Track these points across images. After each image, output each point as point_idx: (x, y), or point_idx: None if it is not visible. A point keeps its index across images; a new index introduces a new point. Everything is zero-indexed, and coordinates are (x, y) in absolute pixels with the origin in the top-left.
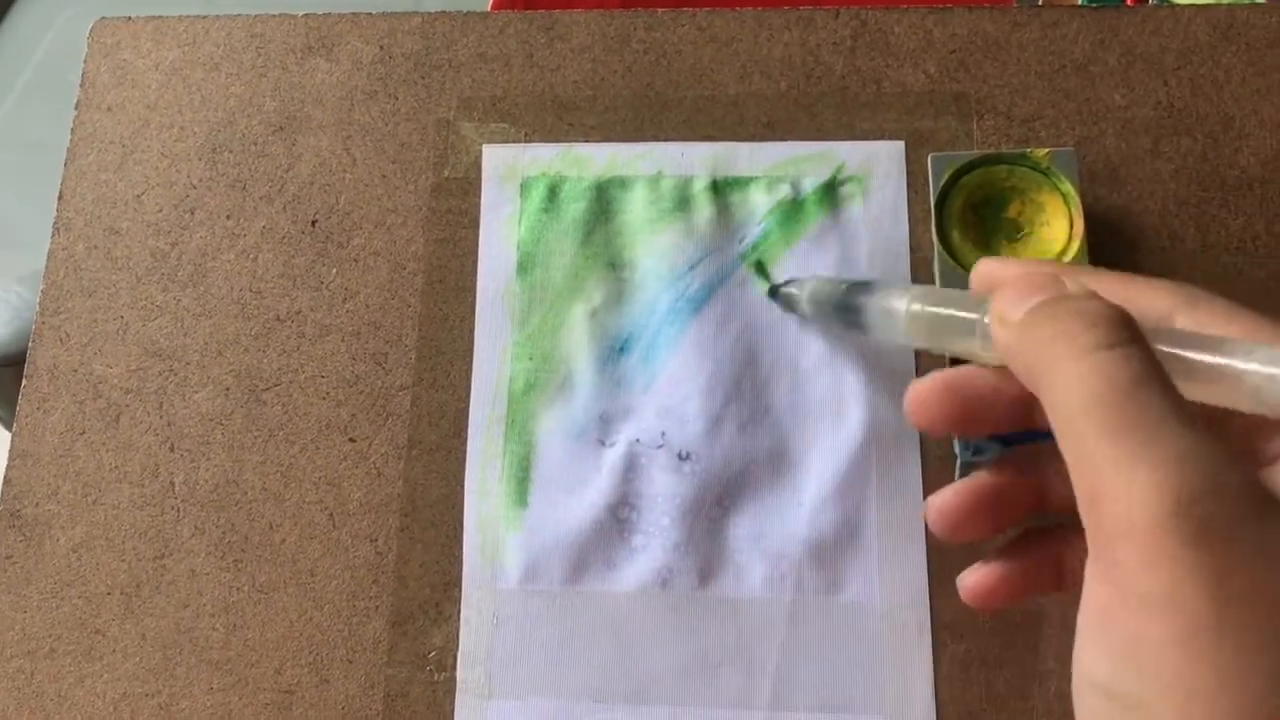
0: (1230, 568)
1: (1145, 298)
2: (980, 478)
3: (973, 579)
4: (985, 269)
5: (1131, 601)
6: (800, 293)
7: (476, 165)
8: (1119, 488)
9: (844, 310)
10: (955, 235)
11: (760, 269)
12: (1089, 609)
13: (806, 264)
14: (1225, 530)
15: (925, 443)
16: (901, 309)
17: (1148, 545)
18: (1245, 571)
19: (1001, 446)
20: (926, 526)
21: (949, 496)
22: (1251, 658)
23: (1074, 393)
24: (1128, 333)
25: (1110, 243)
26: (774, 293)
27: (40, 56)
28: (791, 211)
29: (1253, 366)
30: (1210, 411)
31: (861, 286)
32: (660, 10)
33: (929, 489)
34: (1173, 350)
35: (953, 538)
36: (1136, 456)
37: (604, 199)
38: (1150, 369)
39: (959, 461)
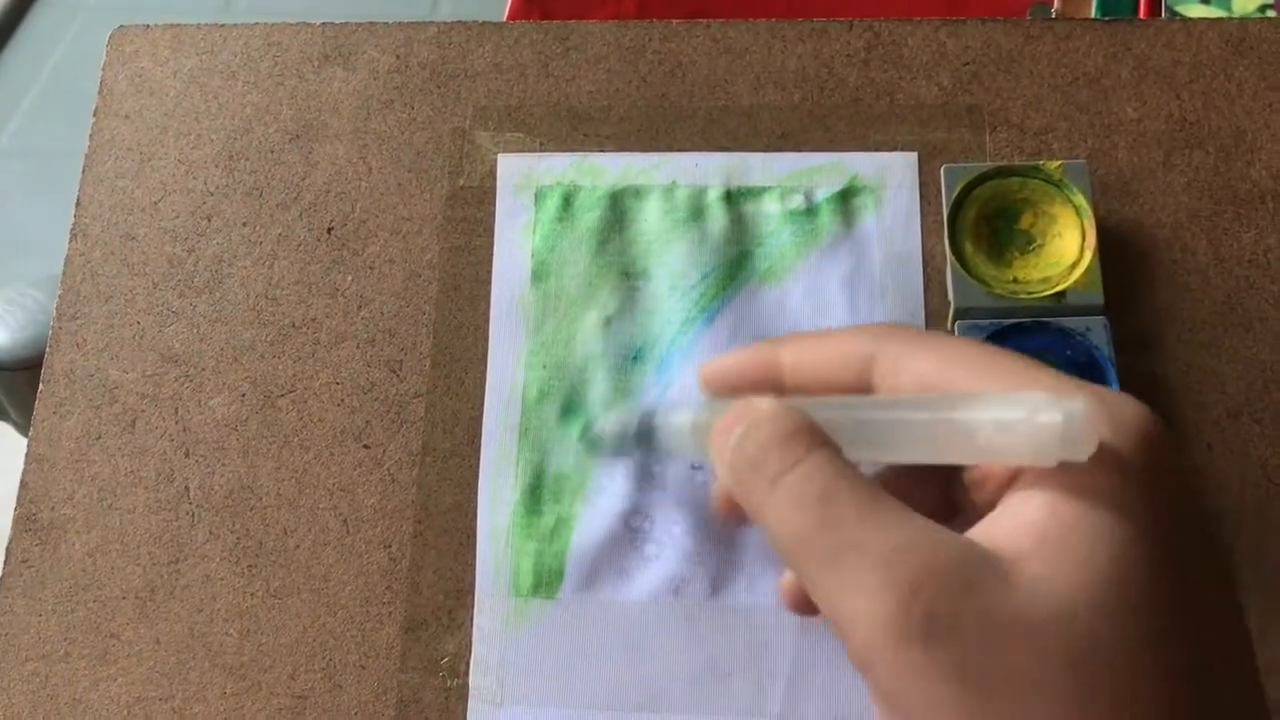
0: (966, 656)
1: (840, 350)
2: None
3: (786, 581)
4: (708, 372)
5: (900, 712)
6: (604, 427)
7: (491, 174)
8: (846, 613)
9: (641, 437)
10: (968, 247)
11: (584, 433)
12: None
13: (819, 274)
14: (949, 617)
15: None
16: (685, 424)
17: (891, 661)
18: (980, 653)
19: None
20: None
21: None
22: None
23: (779, 530)
24: (804, 441)
25: (1122, 255)
26: (582, 437)
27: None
28: (804, 222)
29: (963, 415)
30: (924, 471)
31: (651, 413)
32: (675, 21)
33: None
34: (865, 416)
35: (808, 613)
36: (848, 584)
37: (618, 208)
38: (834, 475)
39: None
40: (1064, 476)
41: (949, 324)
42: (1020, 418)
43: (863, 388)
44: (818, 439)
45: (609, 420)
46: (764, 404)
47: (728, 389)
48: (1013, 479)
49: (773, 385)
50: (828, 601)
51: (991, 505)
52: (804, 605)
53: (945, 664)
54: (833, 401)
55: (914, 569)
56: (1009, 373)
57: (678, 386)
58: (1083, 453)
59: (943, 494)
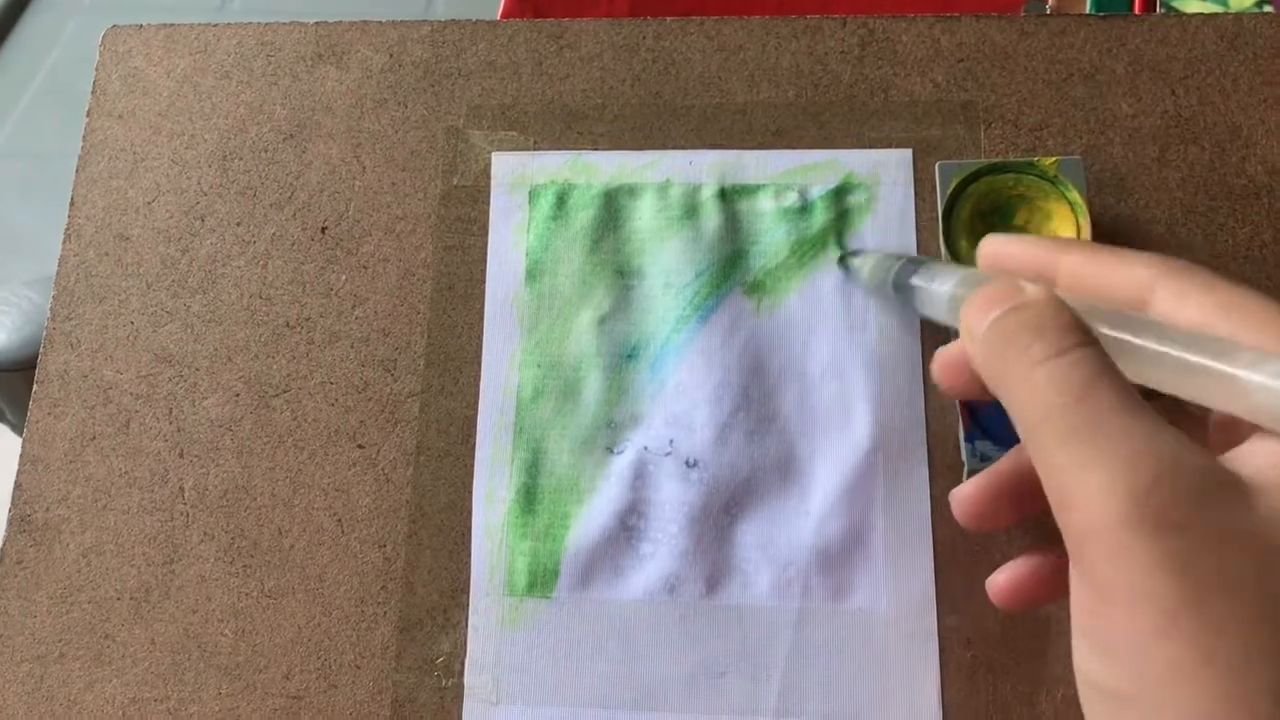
0: (1191, 553)
1: (1123, 273)
2: (1001, 465)
3: (1003, 578)
4: (990, 249)
5: (1108, 599)
6: (862, 266)
7: (485, 173)
8: (1079, 492)
9: (897, 289)
10: (963, 243)
11: (837, 243)
12: (1076, 611)
13: (814, 272)
14: (1183, 518)
15: (933, 450)
16: (944, 294)
17: (1112, 544)
18: (1207, 555)
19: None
20: (934, 533)
21: (969, 487)
22: (1225, 639)
23: (1028, 405)
24: (1075, 337)
25: None
26: (842, 261)
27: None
28: (799, 219)
29: (1219, 366)
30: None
31: (912, 266)
32: (669, 19)
33: (936, 496)
34: (1140, 342)
35: (977, 526)
36: (1090, 459)
37: (612, 207)
38: (1098, 370)
39: (966, 469)
40: None
41: None
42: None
43: (1137, 309)
44: (1087, 336)
45: (868, 260)
46: (1031, 289)
47: (1001, 269)
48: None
49: (1045, 282)
50: (1058, 475)
51: (1233, 445)
52: (950, 375)
53: (1169, 557)
54: (1114, 314)
55: (1157, 467)
56: None
57: (673, 385)
58: None
59: (1184, 418)
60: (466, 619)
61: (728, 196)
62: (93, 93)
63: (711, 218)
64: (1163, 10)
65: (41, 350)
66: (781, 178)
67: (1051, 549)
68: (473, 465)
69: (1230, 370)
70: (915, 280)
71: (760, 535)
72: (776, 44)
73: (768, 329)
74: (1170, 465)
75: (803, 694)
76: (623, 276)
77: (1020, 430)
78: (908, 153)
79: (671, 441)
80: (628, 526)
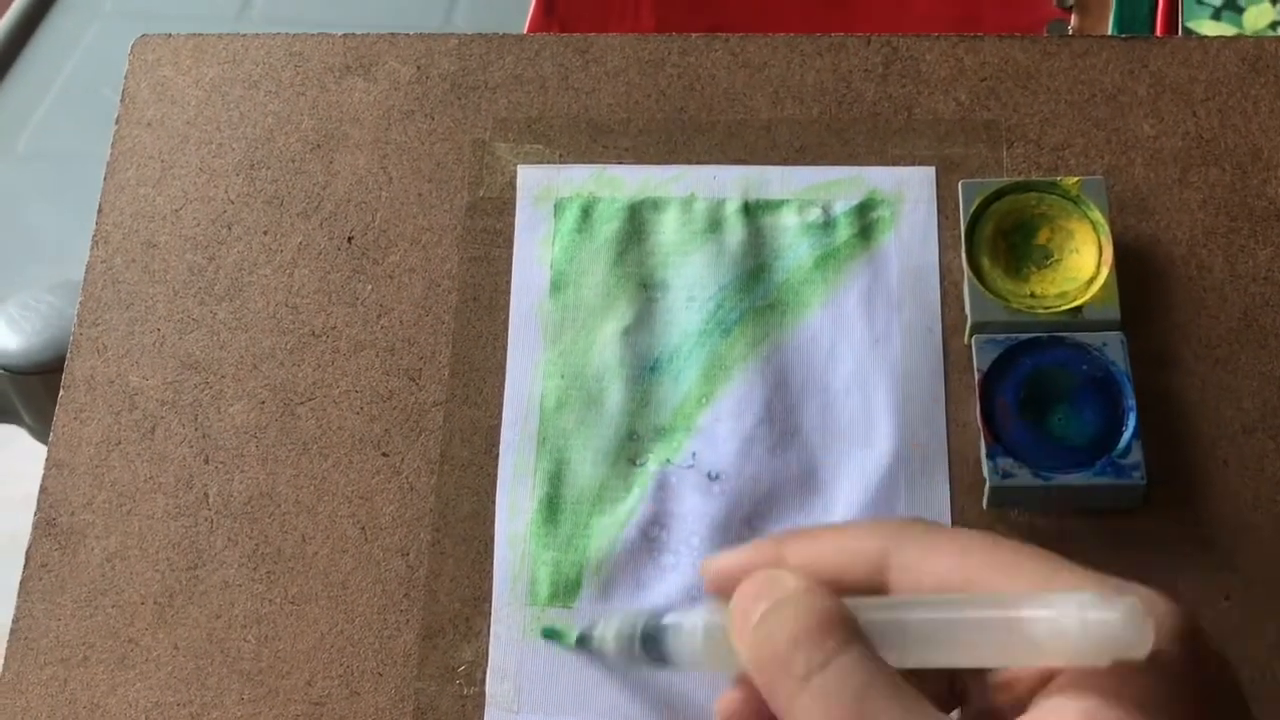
0: None
1: (850, 554)
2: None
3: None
4: (710, 569)
5: None
6: (603, 643)
7: (511, 185)
8: None
9: (650, 649)
10: (985, 261)
11: (552, 634)
12: None
13: (836, 287)
14: None
15: (954, 467)
16: (698, 624)
17: None
18: None
19: (1032, 473)
20: None
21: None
22: None
23: None
24: (835, 641)
25: (1138, 271)
26: (581, 641)
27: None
28: (822, 235)
29: (1011, 614)
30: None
31: (657, 618)
32: (694, 35)
33: (958, 513)
34: (915, 616)
35: None
36: None
37: (637, 220)
38: (867, 678)
39: (988, 485)
40: (1101, 679)
41: (966, 337)
42: (1073, 616)
43: (876, 588)
44: (851, 631)
45: (610, 624)
46: (789, 580)
47: (731, 589)
48: (1044, 681)
49: None
50: None
51: (1018, 707)
52: None
53: None
54: (866, 602)
55: None
56: (1034, 570)
57: (695, 398)
58: (1140, 651)
59: (947, 687)
60: (489, 628)
61: (751, 211)
62: (121, 101)
63: (735, 232)
64: (1183, 33)
65: (68, 356)
66: (805, 193)
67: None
68: (496, 475)
69: (1004, 616)
70: (667, 621)
71: None
72: (801, 61)
73: (790, 343)
74: None
75: None
76: (646, 289)
77: None
78: (931, 170)
79: (694, 454)
80: (649, 538)
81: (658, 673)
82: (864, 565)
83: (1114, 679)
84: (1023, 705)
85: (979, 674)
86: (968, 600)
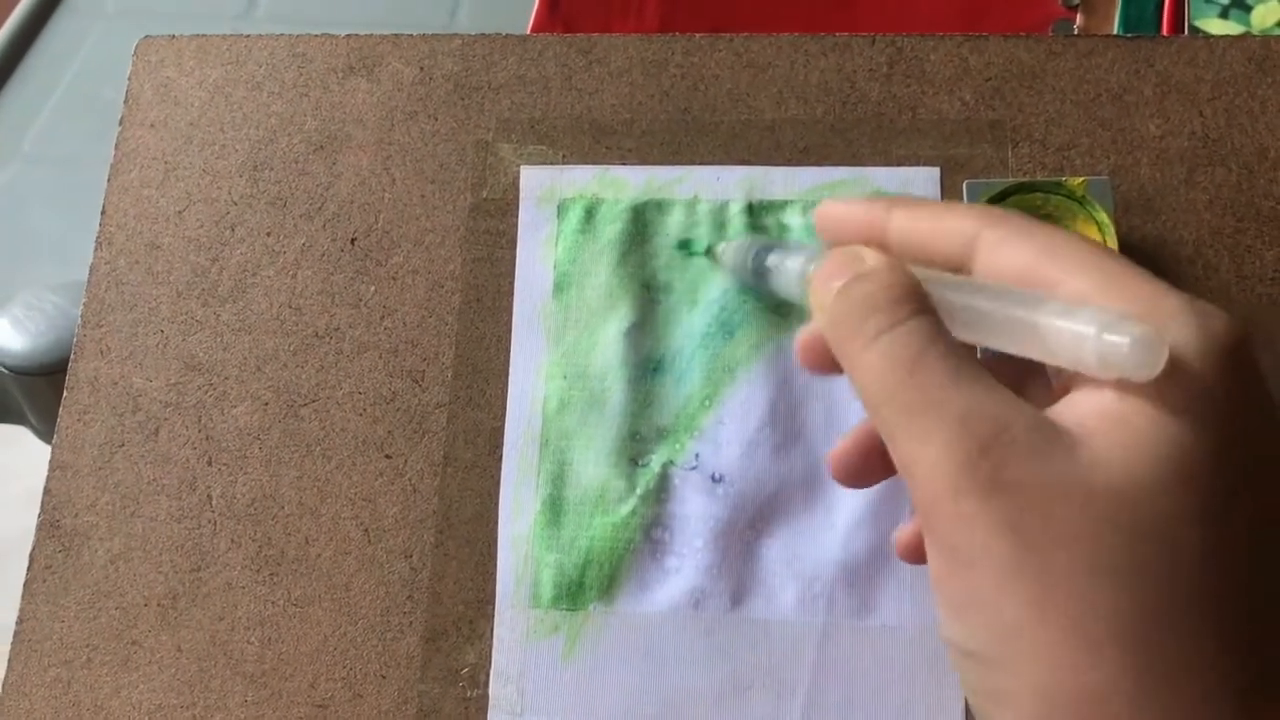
0: (1021, 512)
1: (946, 227)
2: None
3: (903, 535)
4: (822, 212)
5: (956, 563)
6: (724, 252)
7: (514, 186)
8: (918, 464)
9: (757, 274)
10: None
11: (684, 246)
12: (932, 578)
13: None
14: (1013, 476)
15: None
16: (795, 270)
17: (951, 508)
18: (1035, 512)
19: None
20: None
21: (844, 444)
22: (1058, 593)
23: (868, 381)
24: (908, 307)
25: None
26: (708, 252)
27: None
28: None
29: (1041, 319)
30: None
31: (768, 248)
32: (698, 35)
33: None
34: (965, 301)
35: (852, 482)
36: (925, 431)
37: (640, 221)
38: (928, 339)
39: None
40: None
41: None
42: (1090, 333)
43: (963, 264)
44: (920, 304)
45: (729, 247)
46: (870, 257)
47: (836, 234)
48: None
49: (877, 244)
50: (901, 450)
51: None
52: (912, 553)
53: (1001, 518)
54: (931, 275)
55: (986, 430)
56: (1105, 274)
57: (698, 399)
58: (1145, 375)
59: (1027, 368)
60: (492, 630)
61: (755, 212)
62: (125, 102)
63: (739, 233)
64: (1190, 32)
65: (72, 357)
66: (809, 194)
67: None
68: (499, 476)
69: (1026, 317)
70: (770, 260)
71: (786, 550)
72: (805, 61)
73: (793, 344)
74: (999, 427)
75: (826, 710)
76: (649, 290)
77: (865, 408)
78: (935, 171)
79: (697, 456)
80: (653, 540)
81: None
82: (956, 242)
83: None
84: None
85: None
86: (1008, 294)
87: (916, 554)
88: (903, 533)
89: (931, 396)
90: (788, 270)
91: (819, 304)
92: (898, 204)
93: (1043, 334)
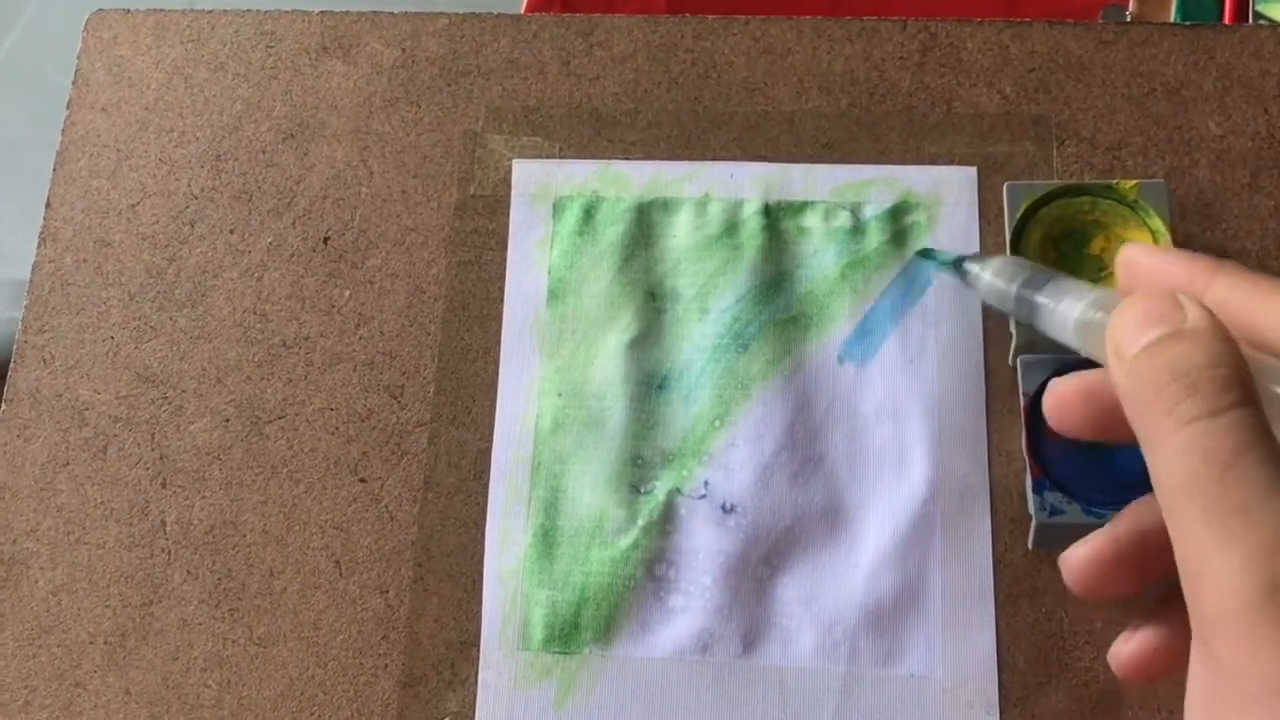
0: None
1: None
2: (1120, 525)
3: (1129, 649)
4: (1128, 258)
5: (1232, 688)
6: (980, 274)
7: (505, 182)
8: (1215, 571)
9: (1021, 306)
10: None
11: (926, 254)
12: (1193, 694)
13: (866, 300)
14: None
15: (996, 501)
16: (1072, 316)
17: (1243, 632)
18: None
19: (1084, 510)
20: (996, 593)
21: (1083, 549)
22: None
23: (1172, 468)
24: (1233, 395)
25: None
26: (958, 265)
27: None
28: (850, 241)
29: None
30: None
31: (1038, 280)
32: (710, 17)
33: (999, 551)
34: None
35: (1094, 595)
36: (1231, 539)
37: (645, 222)
38: (1253, 438)
39: (1034, 523)
40: None
41: (1010, 357)
42: None
43: None
44: (1246, 391)
45: (987, 266)
46: (1193, 312)
47: (1141, 286)
48: None
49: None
50: (1191, 552)
51: None
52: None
53: None
54: (1258, 359)
55: None
56: None
57: (708, 420)
58: None
59: None
60: (476, 675)
61: (772, 214)
62: (74, 83)
63: (754, 237)
64: (1254, 19)
65: (11, 366)
66: (832, 195)
67: (1174, 616)
68: (486, 504)
69: None
70: (1040, 298)
71: (804, 590)
72: (829, 47)
73: (815, 361)
74: None
75: None
76: (654, 299)
77: (1157, 490)
78: (972, 170)
79: (706, 483)
80: (656, 576)
81: None
82: None
83: None
84: None
85: None
86: None
87: (1072, 414)
88: (1130, 646)
89: (1243, 503)
90: (1061, 315)
91: (1120, 348)
92: (1223, 269)
93: None
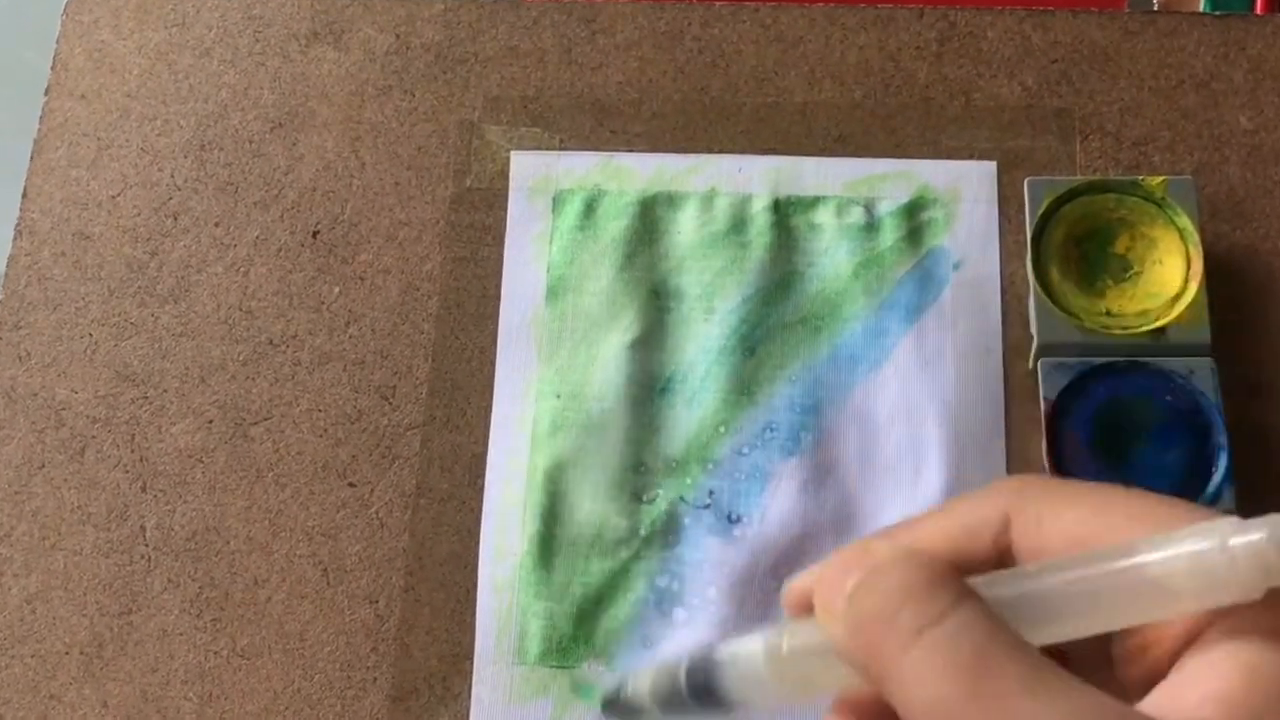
0: None
1: (968, 521)
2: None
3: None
4: (796, 588)
5: None
6: (638, 699)
7: (503, 174)
8: None
9: (702, 695)
10: (1055, 272)
11: (586, 693)
12: None
13: (880, 301)
14: None
15: None
16: (758, 648)
17: None
18: None
19: None
20: None
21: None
22: None
23: (918, 696)
24: (950, 595)
25: (1232, 287)
26: (610, 706)
27: None
28: (864, 239)
29: (1140, 559)
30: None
31: (703, 656)
32: (718, 4)
33: None
34: (1023, 589)
35: None
36: None
37: (648, 217)
38: (987, 634)
39: None
40: (1259, 618)
41: (1031, 361)
42: (1214, 546)
43: (1000, 561)
44: (963, 588)
45: (642, 678)
46: (883, 546)
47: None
48: (1186, 642)
49: None
50: None
51: (1155, 676)
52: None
53: None
54: (980, 579)
55: None
56: (1172, 514)
57: (713, 425)
58: None
59: (1088, 659)
60: (469, 690)
61: (781, 209)
62: (53, 68)
63: (762, 234)
64: None
65: None
66: (845, 190)
67: None
68: (480, 511)
69: (1135, 564)
70: (720, 654)
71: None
72: (842, 36)
73: (826, 364)
74: None
75: None
76: (658, 298)
77: None
78: (992, 165)
79: (711, 492)
80: (658, 589)
81: None
82: (984, 537)
83: (1274, 616)
84: (1162, 672)
85: (1098, 646)
86: (1094, 556)
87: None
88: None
89: (1009, 712)
90: (749, 654)
91: (830, 608)
92: (889, 533)
93: (1151, 577)
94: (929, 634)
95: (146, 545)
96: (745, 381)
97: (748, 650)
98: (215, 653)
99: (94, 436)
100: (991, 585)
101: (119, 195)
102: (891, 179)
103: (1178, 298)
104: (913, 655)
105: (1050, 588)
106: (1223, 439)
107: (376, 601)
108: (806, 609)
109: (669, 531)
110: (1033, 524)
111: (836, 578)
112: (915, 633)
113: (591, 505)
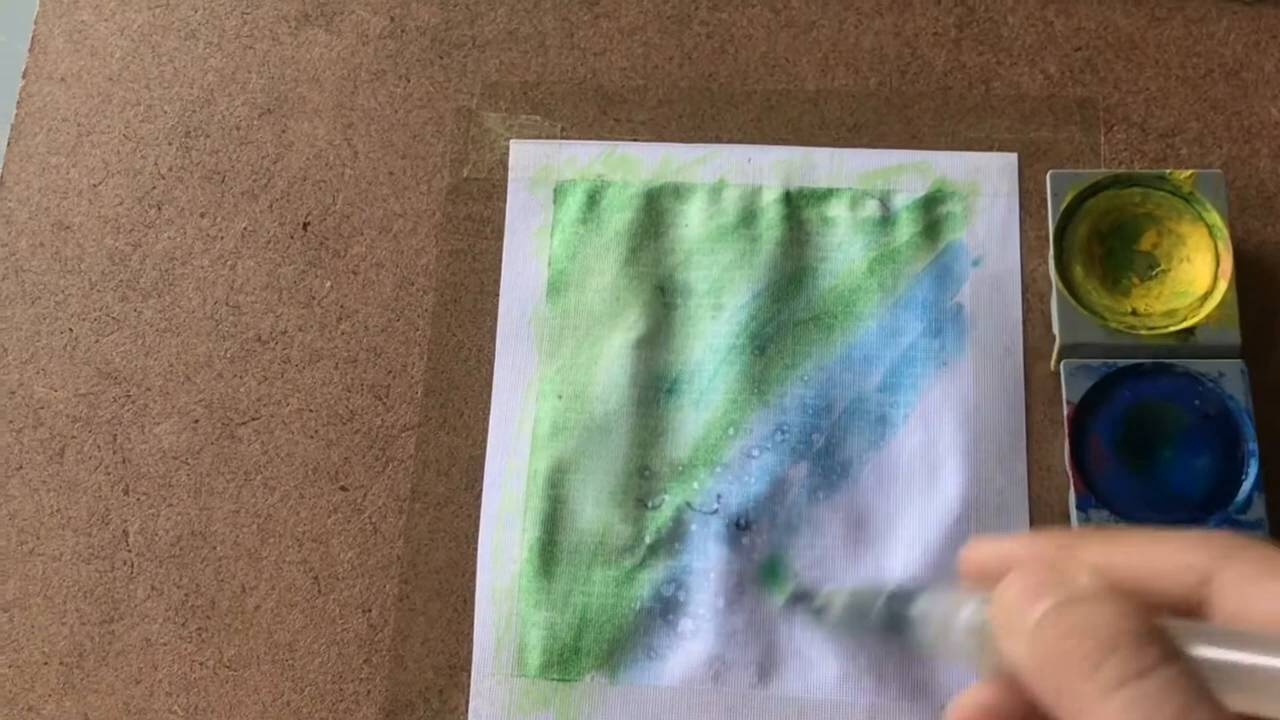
0: None
1: (1166, 563)
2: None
3: None
4: (975, 557)
5: None
6: (830, 606)
7: (502, 164)
8: None
9: (889, 625)
10: (1078, 270)
11: (772, 571)
12: None
13: (895, 298)
14: None
15: (1035, 518)
16: (962, 620)
17: None
18: None
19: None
20: None
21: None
22: None
23: None
24: (1158, 651)
25: (1263, 285)
26: (794, 601)
27: None
28: (879, 233)
29: None
30: None
31: (906, 595)
32: None
33: None
34: (1222, 656)
35: None
36: None
37: (654, 210)
38: (1194, 697)
39: None
40: None
41: (1053, 362)
42: None
43: (1189, 611)
44: (1171, 646)
45: (840, 593)
46: (1080, 576)
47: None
48: None
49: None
50: None
51: None
52: None
53: None
54: (1181, 625)
55: None
56: None
57: (721, 427)
58: None
59: None
60: (467, 703)
61: (793, 202)
62: (30, 50)
63: (773, 227)
64: None
65: None
66: (859, 182)
67: None
68: (478, 516)
69: None
70: (917, 610)
71: None
72: (856, 21)
73: (838, 364)
74: None
75: None
76: (663, 294)
77: None
78: (1012, 157)
79: (719, 496)
80: (664, 598)
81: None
82: (1181, 581)
83: None
84: None
85: None
86: None
87: None
88: (968, 701)
89: None
90: (944, 619)
91: (1012, 626)
92: (1086, 537)
93: None
94: (1133, 687)
95: (129, 551)
96: (755, 381)
97: (943, 610)
98: (201, 663)
99: (74, 436)
100: (1192, 636)
101: (100, 184)
102: (908, 171)
103: (1207, 297)
104: (1112, 705)
105: (1263, 663)
106: (1253, 445)
107: (370, 610)
108: (983, 581)
109: (675, 538)
110: (1239, 585)
111: (1026, 598)
112: (1116, 684)
113: (594, 511)
